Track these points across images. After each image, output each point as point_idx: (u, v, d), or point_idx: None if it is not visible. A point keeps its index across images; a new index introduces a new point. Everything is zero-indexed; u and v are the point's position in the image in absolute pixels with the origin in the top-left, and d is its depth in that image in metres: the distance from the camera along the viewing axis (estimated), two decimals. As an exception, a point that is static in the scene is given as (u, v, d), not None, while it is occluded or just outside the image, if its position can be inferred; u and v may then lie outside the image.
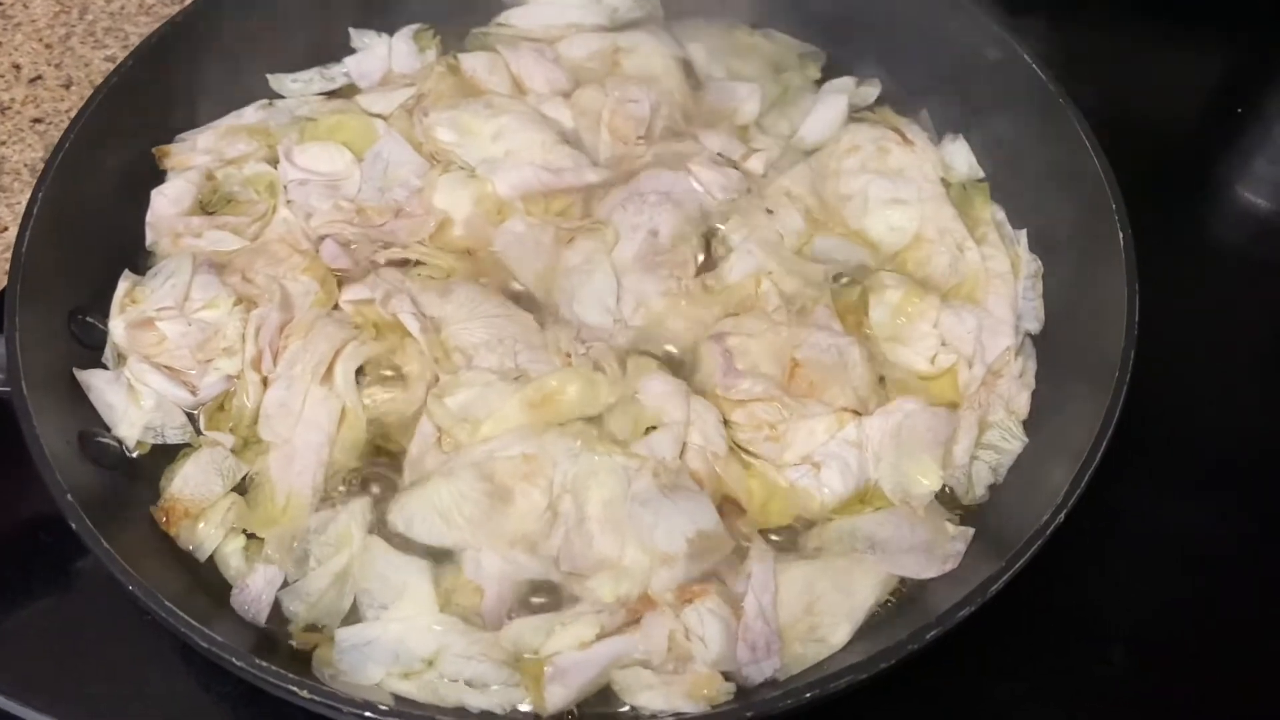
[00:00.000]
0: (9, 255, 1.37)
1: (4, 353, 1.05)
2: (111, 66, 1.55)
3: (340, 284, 1.21)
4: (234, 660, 0.89)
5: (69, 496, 0.96)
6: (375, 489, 1.10)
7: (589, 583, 1.00)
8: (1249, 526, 1.23)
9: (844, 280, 1.25)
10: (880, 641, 1.01)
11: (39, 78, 1.55)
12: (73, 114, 1.49)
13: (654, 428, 1.10)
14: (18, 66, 1.56)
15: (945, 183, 1.32)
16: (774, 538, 1.08)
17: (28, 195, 1.41)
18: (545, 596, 1.02)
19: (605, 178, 1.29)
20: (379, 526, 1.06)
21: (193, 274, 1.19)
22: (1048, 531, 0.96)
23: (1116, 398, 1.02)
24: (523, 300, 1.21)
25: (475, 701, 0.96)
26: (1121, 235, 1.13)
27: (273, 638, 1.02)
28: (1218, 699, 1.12)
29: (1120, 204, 1.16)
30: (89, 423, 1.11)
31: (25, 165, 1.47)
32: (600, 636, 0.96)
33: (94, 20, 1.61)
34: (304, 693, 0.88)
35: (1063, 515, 0.96)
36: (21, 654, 1.11)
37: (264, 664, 0.89)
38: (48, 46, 1.58)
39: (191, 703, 1.09)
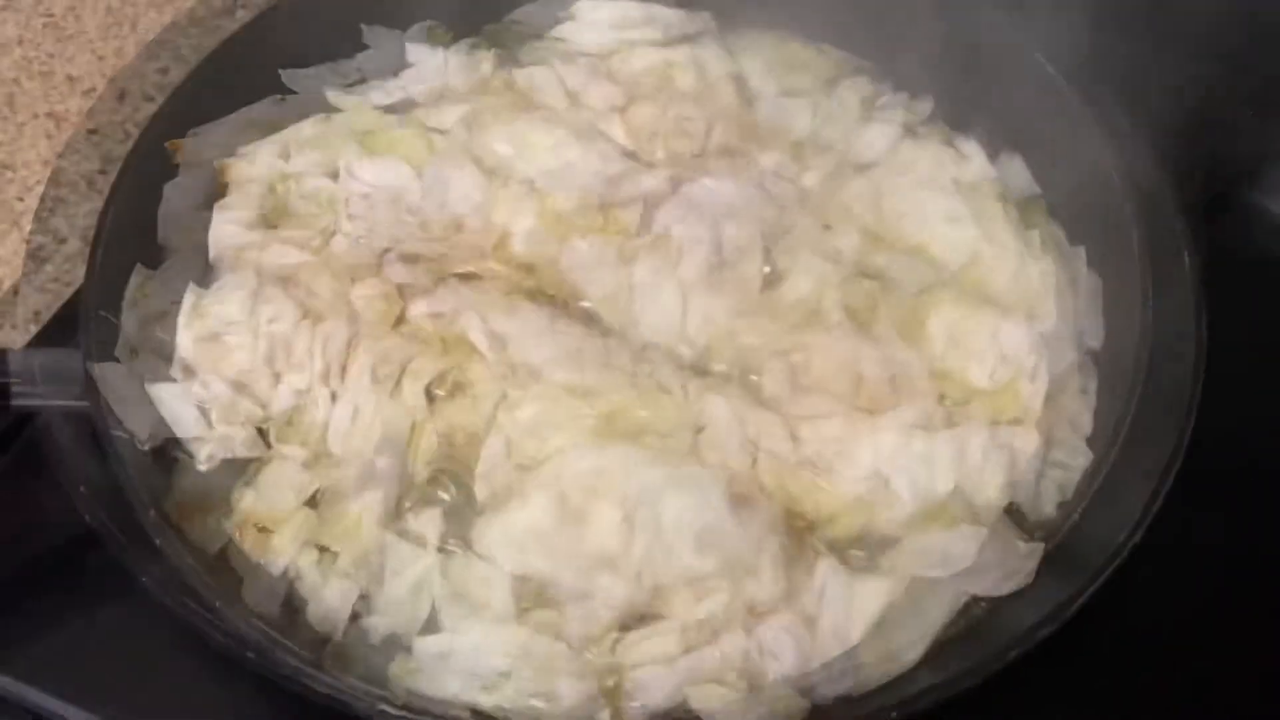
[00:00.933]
0: (69, 266, 1.39)
1: (80, 368, 1.06)
2: (163, 79, 1.58)
3: (405, 298, 1.22)
4: (317, 681, 0.90)
5: (152, 513, 0.97)
6: (447, 501, 1.10)
7: (673, 599, 1.01)
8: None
9: (903, 295, 1.26)
10: (948, 659, 1.02)
11: (93, 89, 1.56)
12: (127, 126, 1.52)
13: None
14: (71, 78, 1.57)
15: (1002, 199, 1.32)
16: (855, 554, 1.08)
17: (85, 207, 1.44)
18: (628, 614, 1.02)
19: (661, 184, 1.30)
20: (456, 538, 1.07)
21: (258, 288, 1.20)
22: (1125, 551, 0.96)
23: (1188, 417, 1.03)
24: (589, 318, 1.21)
25: (553, 717, 0.97)
26: (1187, 256, 1.14)
27: (344, 649, 1.03)
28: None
29: (1183, 223, 1.16)
30: (160, 436, 1.12)
31: (82, 177, 1.47)
32: (685, 652, 0.97)
33: (145, 32, 1.62)
34: (391, 710, 0.88)
35: (1139, 534, 0.97)
36: (49, 645, 1.10)
37: (350, 682, 0.89)
38: (101, 59, 1.59)
39: (224, 700, 1.09)
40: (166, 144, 1.30)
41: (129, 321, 1.17)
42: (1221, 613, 1.15)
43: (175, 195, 1.27)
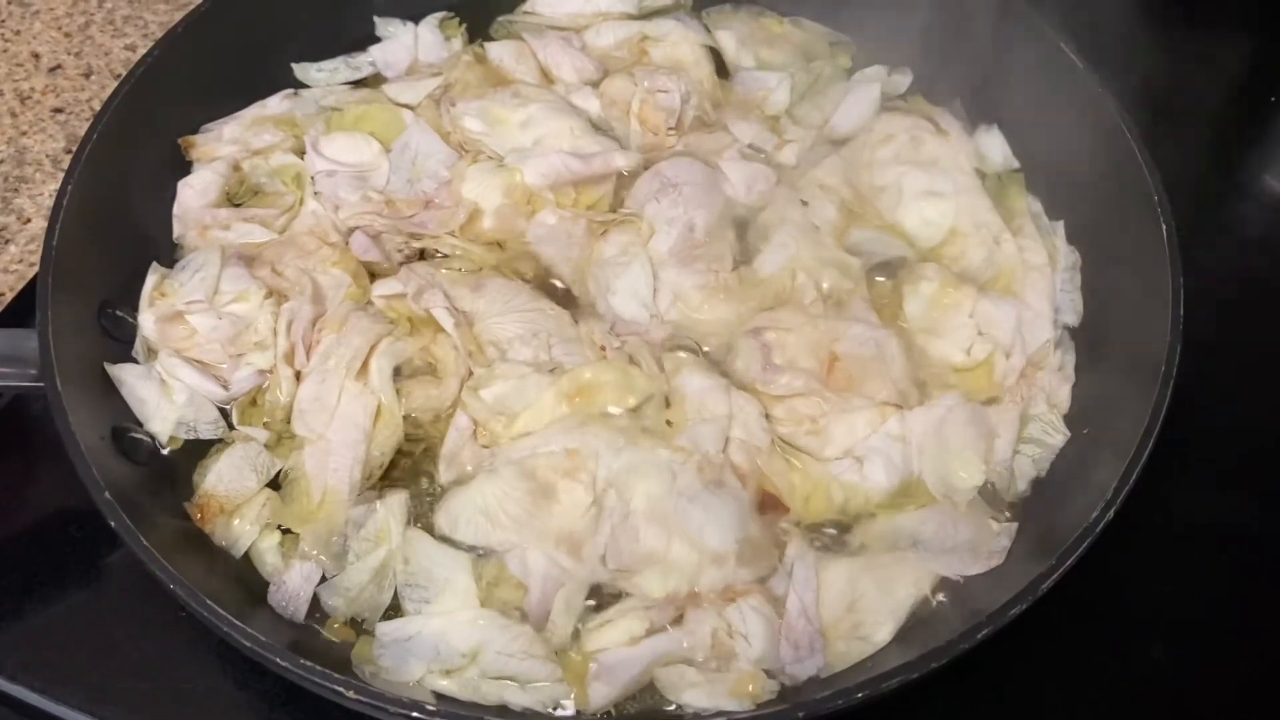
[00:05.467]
0: (33, 247, 1.37)
1: (37, 347, 1.03)
2: (131, 55, 1.55)
3: (371, 277, 1.20)
4: (277, 660, 0.88)
5: (107, 495, 0.95)
6: (411, 483, 1.08)
7: (636, 579, 0.99)
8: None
9: (879, 272, 1.24)
10: (919, 638, 1.00)
11: (59, 67, 1.54)
12: (94, 104, 1.50)
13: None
14: (37, 55, 1.55)
15: (980, 173, 1.30)
16: (825, 533, 1.07)
17: (50, 186, 1.41)
18: (593, 597, 1.01)
19: (634, 162, 1.28)
20: (420, 520, 1.05)
21: (221, 267, 1.18)
22: (1097, 529, 0.95)
23: (1163, 393, 1.01)
24: (556, 294, 1.19)
25: (517, 699, 0.95)
26: (1164, 228, 1.12)
27: (312, 634, 1.02)
28: (1259, 694, 1.11)
29: (1162, 196, 1.14)
30: (121, 418, 1.10)
31: (47, 156, 1.45)
32: (649, 632, 0.95)
33: (113, 8, 1.59)
34: (350, 693, 0.87)
35: (1112, 513, 0.95)
36: (55, 649, 1.10)
37: (308, 664, 0.88)
38: (67, 35, 1.57)
39: (227, 698, 1.08)
40: (179, 140, 1.28)
41: (147, 321, 1.14)
42: (1194, 592, 1.14)
43: (188, 192, 1.25)
